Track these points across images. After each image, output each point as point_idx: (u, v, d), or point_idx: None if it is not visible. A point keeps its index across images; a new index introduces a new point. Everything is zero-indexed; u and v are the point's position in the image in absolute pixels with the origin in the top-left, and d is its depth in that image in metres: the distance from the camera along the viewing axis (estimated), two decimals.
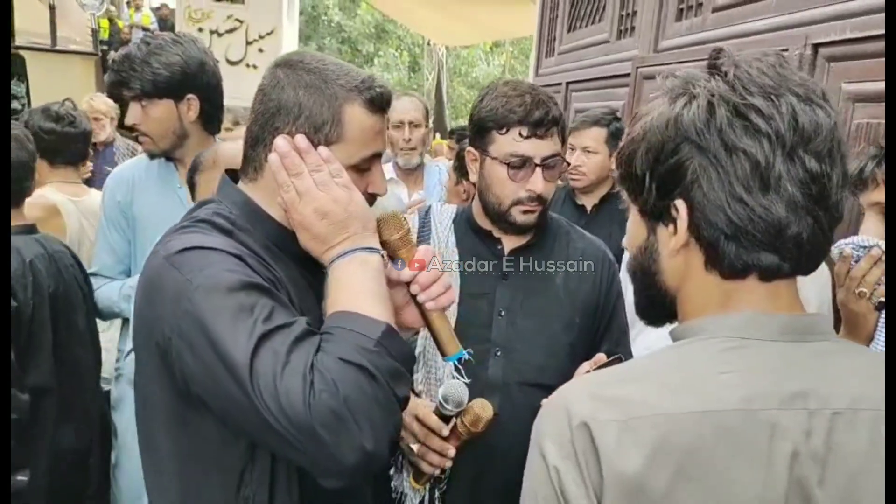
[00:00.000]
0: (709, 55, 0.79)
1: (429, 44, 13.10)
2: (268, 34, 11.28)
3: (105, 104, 4.50)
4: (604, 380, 0.79)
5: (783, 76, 0.74)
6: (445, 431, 1.26)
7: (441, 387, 1.26)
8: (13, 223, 1.88)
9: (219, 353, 0.87)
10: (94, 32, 10.02)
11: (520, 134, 1.40)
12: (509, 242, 1.52)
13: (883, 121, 1.61)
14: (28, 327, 1.79)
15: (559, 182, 1.76)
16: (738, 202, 0.72)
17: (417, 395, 1.42)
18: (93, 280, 2.07)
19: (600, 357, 1.28)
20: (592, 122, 2.58)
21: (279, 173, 0.99)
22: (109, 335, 2.33)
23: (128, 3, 14.14)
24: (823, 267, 1.54)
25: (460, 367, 1.19)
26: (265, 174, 1.04)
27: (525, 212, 1.44)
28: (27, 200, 2.45)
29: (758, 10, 2.16)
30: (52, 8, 8.84)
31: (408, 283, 1.07)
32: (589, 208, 2.63)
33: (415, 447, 1.29)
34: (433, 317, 1.09)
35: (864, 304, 1.27)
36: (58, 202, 2.51)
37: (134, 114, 1.92)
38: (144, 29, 12.76)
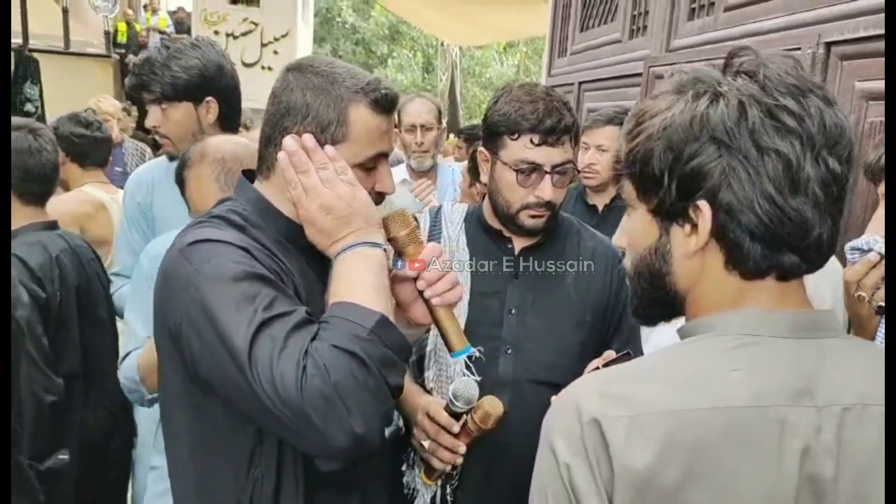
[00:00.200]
0: (729, 53, 0.78)
1: (442, 45, 13.11)
2: (282, 36, 11.36)
3: (112, 106, 4.61)
4: (613, 377, 0.79)
5: (804, 77, 0.74)
6: (456, 428, 1.27)
7: (451, 384, 1.27)
8: (37, 220, 1.97)
9: (222, 338, 0.92)
10: (108, 35, 10.13)
11: (531, 141, 1.40)
12: (520, 241, 1.52)
13: None
14: (56, 318, 1.88)
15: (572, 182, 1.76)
16: (769, 202, 0.72)
17: (429, 392, 1.44)
18: (114, 280, 2.12)
19: (609, 354, 1.29)
20: (606, 120, 2.58)
21: (287, 171, 1.04)
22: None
23: (145, 6, 14.29)
24: (837, 266, 1.53)
25: (471, 364, 1.21)
26: (276, 172, 1.09)
27: (533, 216, 1.45)
28: (76, 197, 2.66)
29: (770, 9, 2.15)
30: (65, 11, 8.96)
31: (415, 279, 1.10)
32: (600, 208, 2.63)
33: (426, 444, 1.30)
34: (440, 313, 1.12)
35: (865, 308, 1.26)
36: (103, 199, 2.74)
37: (154, 116, 1.95)
38: (161, 32, 12.88)
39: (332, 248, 1.04)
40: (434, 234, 1.57)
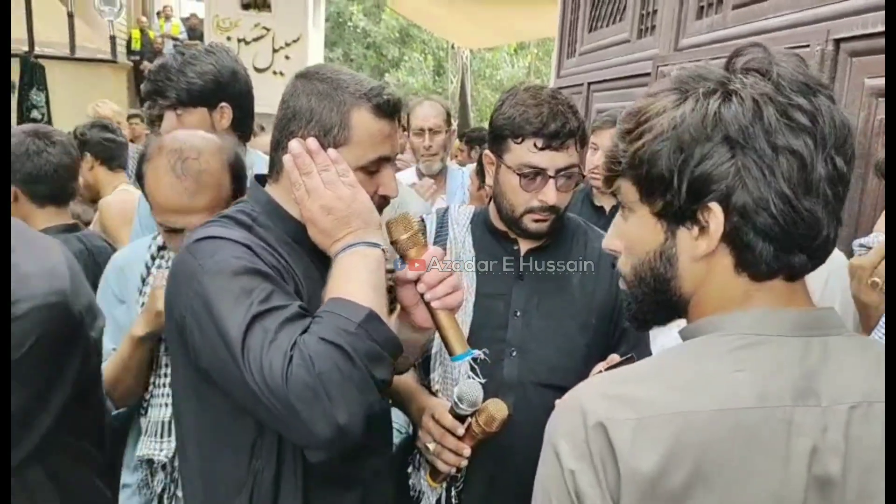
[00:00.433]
0: (734, 51, 0.76)
1: (453, 47, 13.12)
2: (294, 41, 11.44)
3: (111, 110, 4.70)
4: (618, 379, 0.78)
5: (811, 76, 0.74)
6: (460, 431, 1.27)
7: (456, 387, 1.27)
8: (58, 223, 2.03)
9: (219, 328, 0.96)
10: (113, 40, 10.23)
11: (535, 145, 1.38)
12: (525, 243, 1.52)
13: None
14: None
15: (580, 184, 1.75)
16: (784, 202, 0.71)
17: (434, 393, 1.44)
18: None
19: (613, 357, 1.27)
20: (615, 121, 2.57)
21: (292, 173, 1.09)
22: None
23: (158, 13, 14.45)
24: (845, 263, 1.51)
25: (475, 366, 1.22)
26: (284, 175, 1.13)
27: (537, 220, 1.44)
28: (126, 197, 2.75)
29: (779, 6, 2.14)
30: (70, 16, 9.04)
31: (416, 283, 1.12)
32: (607, 209, 2.62)
33: (431, 446, 1.30)
34: (440, 317, 1.14)
35: (876, 296, 1.25)
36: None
37: (169, 122, 1.97)
38: (174, 39, 13.02)
39: (332, 247, 1.08)
40: (440, 236, 1.56)
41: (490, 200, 1.57)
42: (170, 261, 1.52)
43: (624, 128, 0.80)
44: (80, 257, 1.94)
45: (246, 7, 11.31)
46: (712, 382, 0.72)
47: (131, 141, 4.75)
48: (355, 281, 1.02)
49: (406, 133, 3.11)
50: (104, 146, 2.95)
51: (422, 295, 1.13)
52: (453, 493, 1.41)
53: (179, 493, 1.46)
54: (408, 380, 1.46)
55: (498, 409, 1.23)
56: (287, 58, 11.38)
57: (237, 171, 1.48)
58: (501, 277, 1.50)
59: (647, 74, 2.96)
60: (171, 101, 1.94)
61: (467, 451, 1.27)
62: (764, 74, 0.73)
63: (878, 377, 0.74)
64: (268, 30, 11.38)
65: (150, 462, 1.50)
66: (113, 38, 10.18)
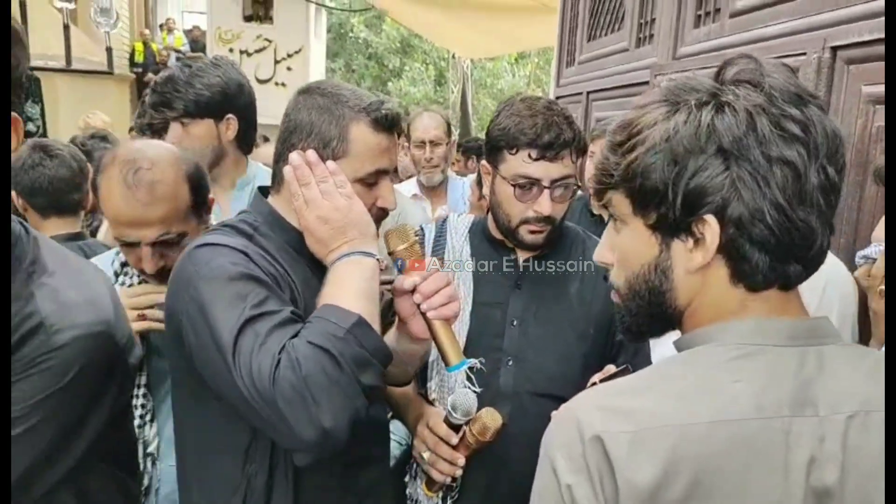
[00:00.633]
0: (723, 62, 0.76)
1: (454, 57, 13.18)
2: (296, 53, 11.52)
3: (101, 121, 4.71)
4: (614, 391, 0.77)
5: (801, 86, 0.74)
6: (454, 440, 1.27)
7: (451, 395, 1.27)
8: (64, 231, 2.04)
9: (212, 331, 0.99)
10: (109, 51, 10.25)
11: (529, 156, 1.38)
12: (523, 252, 1.51)
13: None
14: None
15: (578, 192, 1.75)
16: (779, 212, 0.71)
17: (431, 402, 1.43)
18: None
19: (609, 368, 1.27)
20: None
21: (292, 184, 1.12)
22: None
23: (161, 26, 14.54)
24: (847, 276, 1.51)
25: (472, 375, 1.22)
26: (285, 186, 1.16)
27: (532, 232, 1.44)
28: None
29: (776, 14, 2.14)
30: (66, 27, 9.07)
31: (412, 293, 1.13)
32: (606, 218, 2.61)
33: (426, 455, 1.30)
34: (436, 327, 1.15)
35: (885, 304, 1.24)
36: None
37: (175, 133, 1.97)
38: (177, 51, 13.09)
39: (329, 256, 1.10)
40: (439, 244, 1.57)
41: (489, 210, 1.57)
42: (133, 276, 1.50)
43: (615, 140, 0.79)
44: None
45: (248, 19, 11.39)
46: (709, 393, 0.71)
47: None
48: (348, 288, 1.04)
49: (407, 145, 3.12)
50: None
51: (418, 305, 1.14)
52: (449, 502, 1.40)
53: None
54: (405, 389, 1.45)
55: (492, 418, 1.23)
56: (289, 69, 11.45)
57: (196, 182, 1.44)
58: (499, 286, 1.50)
59: (646, 83, 2.96)
60: (178, 113, 1.94)
61: (461, 461, 1.27)
62: (756, 85, 0.73)
63: (875, 386, 0.73)
64: (270, 41, 11.45)
65: None
66: (109, 50, 10.20)
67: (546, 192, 1.40)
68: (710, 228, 0.72)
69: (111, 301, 1.00)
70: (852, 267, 1.53)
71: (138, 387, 1.49)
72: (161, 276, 1.40)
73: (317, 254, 1.13)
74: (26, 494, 0.91)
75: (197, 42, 13.72)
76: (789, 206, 0.70)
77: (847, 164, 0.79)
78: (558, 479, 0.71)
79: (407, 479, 1.45)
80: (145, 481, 1.46)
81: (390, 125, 1.16)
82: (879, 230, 1.35)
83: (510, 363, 1.44)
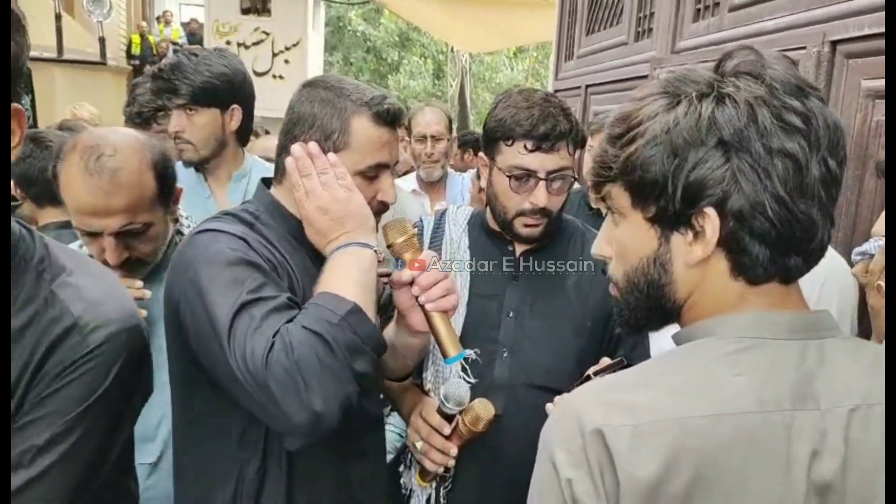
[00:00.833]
0: (723, 54, 0.76)
1: (452, 51, 13.15)
2: (293, 45, 11.48)
3: (88, 112, 4.69)
4: (614, 385, 0.77)
5: (802, 78, 0.73)
6: (446, 430, 1.27)
7: (443, 385, 1.27)
8: (56, 220, 2.03)
9: (209, 314, 1.00)
10: (102, 41, 10.18)
11: (525, 147, 1.38)
12: (521, 245, 1.51)
13: None
14: None
15: (577, 185, 1.74)
16: (779, 205, 0.70)
17: (427, 392, 1.43)
18: None
19: (604, 360, 1.26)
20: None
21: (293, 175, 1.14)
22: None
23: (157, 18, 14.47)
24: (846, 270, 1.51)
25: (467, 366, 1.23)
26: (286, 177, 1.18)
27: (528, 225, 1.43)
28: None
29: (775, 8, 2.14)
30: (58, 17, 8.98)
31: (410, 285, 1.15)
32: (605, 212, 2.61)
33: (419, 445, 1.30)
34: (434, 318, 1.16)
35: (883, 300, 1.24)
36: None
37: (178, 121, 1.96)
38: (174, 43, 13.04)
39: (327, 246, 1.12)
40: (437, 236, 1.57)
41: (487, 203, 1.57)
42: None
43: (614, 132, 0.78)
44: None
45: (246, 11, 11.35)
46: (710, 387, 0.71)
47: None
48: (344, 277, 1.05)
49: (407, 139, 3.11)
50: None
51: (416, 298, 1.15)
52: (442, 492, 1.40)
53: None
54: (404, 382, 1.45)
55: (485, 408, 1.23)
56: (286, 62, 11.42)
57: (162, 170, 1.40)
58: (496, 278, 1.49)
59: (645, 77, 2.95)
60: (184, 100, 1.93)
61: (454, 451, 1.27)
62: (756, 77, 0.72)
63: (876, 379, 0.73)
64: (267, 34, 11.41)
65: None
66: (102, 40, 10.11)
67: (542, 183, 1.39)
68: (711, 221, 0.72)
69: (127, 293, 1.00)
70: (849, 263, 1.53)
71: None
72: (125, 267, 1.37)
73: (316, 244, 1.14)
74: None
75: (194, 35, 13.67)
76: (790, 199, 0.70)
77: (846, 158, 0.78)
78: (558, 473, 0.70)
79: (402, 468, 1.46)
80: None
81: (392, 120, 1.18)
82: (879, 225, 1.34)
83: (505, 355, 1.44)
